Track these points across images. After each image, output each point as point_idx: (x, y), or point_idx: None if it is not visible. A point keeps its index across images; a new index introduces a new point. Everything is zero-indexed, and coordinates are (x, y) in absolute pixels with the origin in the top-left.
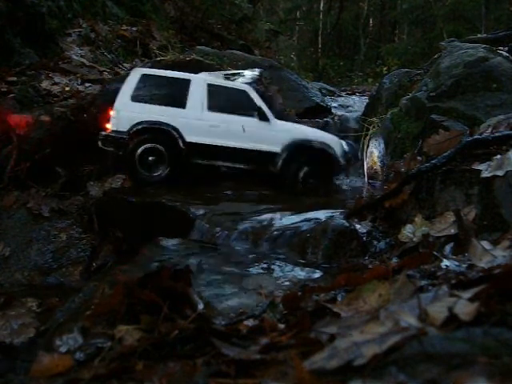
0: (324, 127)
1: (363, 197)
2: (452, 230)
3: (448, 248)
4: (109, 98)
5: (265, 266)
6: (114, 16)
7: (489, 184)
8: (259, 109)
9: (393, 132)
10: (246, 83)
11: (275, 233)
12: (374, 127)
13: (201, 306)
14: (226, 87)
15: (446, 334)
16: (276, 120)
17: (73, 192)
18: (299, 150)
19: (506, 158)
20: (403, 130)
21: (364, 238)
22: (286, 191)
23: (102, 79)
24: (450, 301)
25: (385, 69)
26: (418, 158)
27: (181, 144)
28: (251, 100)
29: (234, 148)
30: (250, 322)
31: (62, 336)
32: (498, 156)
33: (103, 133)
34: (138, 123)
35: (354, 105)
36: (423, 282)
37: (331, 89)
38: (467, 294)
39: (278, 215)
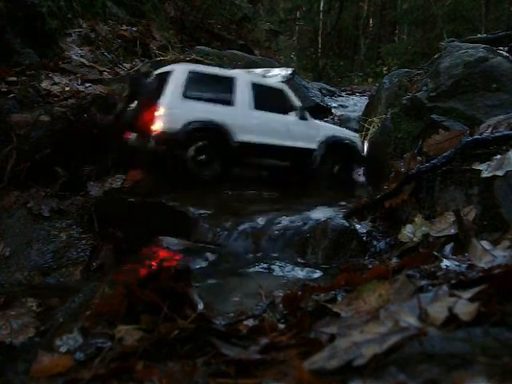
0: None
1: (363, 197)
2: (452, 230)
3: (448, 248)
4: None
5: (265, 266)
6: (113, 16)
7: (489, 184)
8: (298, 107)
9: (393, 132)
10: (282, 82)
11: (275, 233)
12: (374, 127)
13: (201, 306)
14: (267, 86)
15: (446, 334)
16: (311, 118)
17: (73, 192)
18: (333, 146)
19: (506, 158)
20: (403, 129)
21: (364, 238)
22: (286, 191)
23: (102, 79)
24: (450, 301)
25: (385, 69)
26: (418, 158)
27: (231, 143)
28: (289, 99)
29: (280, 146)
30: (250, 322)
31: (62, 336)
32: (498, 156)
33: (154, 133)
34: (191, 122)
35: (353, 105)
36: (423, 282)
37: (331, 89)
38: (467, 294)
39: (278, 215)
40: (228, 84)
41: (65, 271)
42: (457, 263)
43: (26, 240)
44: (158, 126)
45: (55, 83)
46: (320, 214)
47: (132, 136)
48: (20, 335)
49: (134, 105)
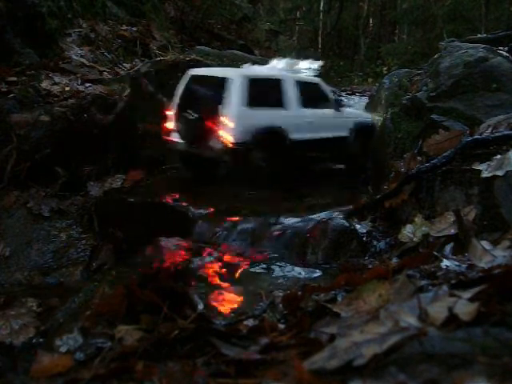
0: None
1: (363, 197)
2: (452, 230)
3: (448, 248)
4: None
5: (265, 266)
6: (114, 16)
7: (489, 184)
8: (333, 100)
9: (393, 132)
10: (314, 76)
11: (275, 233)
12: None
13: (201, 306)
14: (307, 83)
15: (446, 334)
16: (342, 107)
17: (73, 192)
18: (360, 130)
19: (506, 158)
20: (403, 129)
21: (364, 238)
22: (286, 191)
23: (102, 79)
24: (450, 301)
25: (385, 69)
26: (418, 158)
27: (288, 143)
28: (325, 92)
29: (323, 139)
30: (250, 322)
31: (62, 336)
32: (498, 156)
33: (223, 145)
34: (256, 130)
35: (354, 105)
36: (423, 282)
37: (331, 89)
38: (467, 294)
39: (277, 215)
40: (278, 86)
41: (65, 271)
42: (457, 263)
43: (26, 240)
44: (227, 138)
45: (55, 83)
46: None
47: (181, 142)
48: (20, 335)
49: (187, 114)
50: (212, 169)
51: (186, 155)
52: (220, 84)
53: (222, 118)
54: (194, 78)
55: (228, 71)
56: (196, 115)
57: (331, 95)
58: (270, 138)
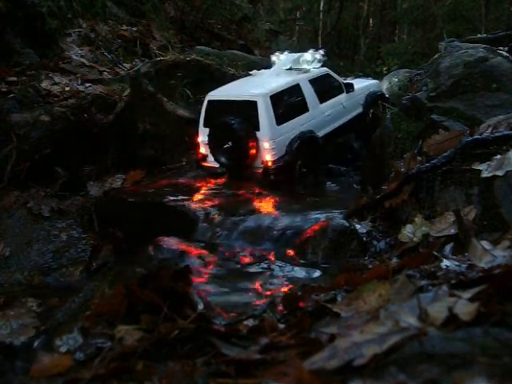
0: None
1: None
2: (452, 230)
3: (448, 248)
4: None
5: (265, 266)
6: (114, 16)
7: (489, 184)
8: (344, 84)
9: (393, 132)
10: (321, 66)
11: (275, 233)
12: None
13: (201, 306)
14: (319, 77)
15: (446, 334)
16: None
17: (73, 192)
18: (373, 100)
19: (506, 158)
20: (403, 129)
21: (364, 238)
22: (285, 191)
23: (102, 79)
24: (450, 301)
25: (385, 69)
26: (418, 158)
27: (318, 142)
28: (335, 79)
29: (344, 124)
30: (250, 322)
31: (62, 336)
32: (498, 156)
33: (269, 166)
34: (290, 143)
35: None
36: (423, 282)
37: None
38: (467, 294)
39: (277, 215)
40: (297, 93)
41: (65, 271)
42: (457, 263)
43: (26, 240)
44: (269, 159)
45: (55, 83)
46: None
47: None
48: (20, 335)
49: (223, 143)
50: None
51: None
52: (244, 107)
53: (257, 141)
54: (215, 102)
55: (249, 95)
56: (229, 144)
57: (340, 80)
58: (304, 145)
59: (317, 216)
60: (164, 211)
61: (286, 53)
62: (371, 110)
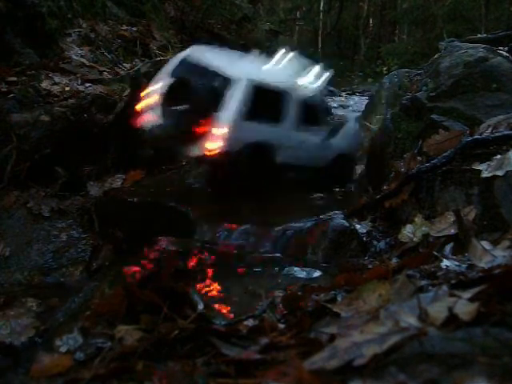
0: None
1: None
2: (452, 230)
3: (448, 248)
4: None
5: (265, 266)
6: (114, 16)
7: (489, 184)
8: (329, 123)
9: (393, 132)
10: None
11: (275, 233)
12: (374, 127)
13: (201, 306)
14: (312, 102)
15: (446, 334)
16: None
17: (73, 192)
18: (342, 162)
19: (506, 158)
20: (403, 129)
21: (364, 238)
22: (285, 191)
23: (102, 79)
24: (450, 301)
25: (385, 69)
26: (418, 158)
27: (276, 163)
28: (323, 114)
29: (309, 167)
30: (250, 322)
31: (61, 336)
32: (498, 156)
33: (210, 152)
34: (248, 145)
35: (354, 105)
36: (423, 282)
37: (331, 89)
38: (467, 294)
39: (277, 215)
40: (279, 101)
41: (65, 271)
42: (457, 263)
43: (26, 240)
44: (215, 146)
45: (55, 83)
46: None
47: (157, 125)
48: (20, 335)
49: (175, 104)
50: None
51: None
52: (219, 82)
53: (215, 123)
54: (187, 62)
55: (231, 69)
56: (183, 109)
57: (329, 116)
58: (258, 154)
59: (317, 216)
60: (164, 211)
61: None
62: (340, 170)
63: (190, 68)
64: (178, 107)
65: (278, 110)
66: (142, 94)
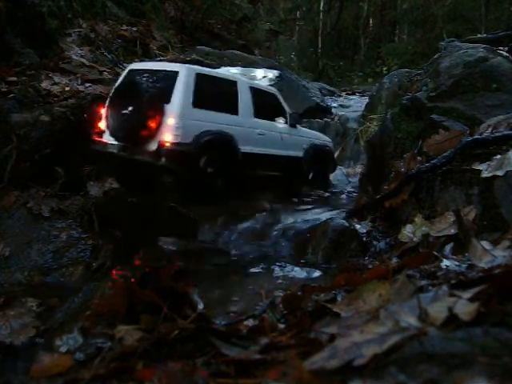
0: (324, 127)
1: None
2: (452, 230)
3: (448, 248)
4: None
5: (265, 266)
6: (114, 16)
7: (489, 184)
8: (288, 113)
9: (393, 132)
10: (270, 85)
11: (275, 233)
12: (373, 127)
13: (201, 306)
14: (263, 91)
15: (446, 334)
16: (299, 124)
17: (73, 192)
18: (316, 152)
19: (506, 158)
20: (403, 129)
21: (364, 238)
22: (285, 191)
23: (102, 79)
24: (450, 301)
25: (385, 69)
26: (418, 158)
27: (237, 153)
28: (281, 105)
29: (274, 156)
30: (250, 322)
31: (62, 336)
32: (498, 156)
33: (163, 147)
34: (202, 134)
35: (354, 105)
36: (423, 282)
37: (331, 89)
38: (467, 294)
39: (277, 215)
40: (231, 89)
41: (65, 271)
42: (457, 263)
43: (26, 240)
44: (168, 139)
45: (55, 83)
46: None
47: (113, 143)
48: (20, 335)
49: (122, 108)
50: (148, 175)
51: (119, 159)
52: (163, 78)
53: (163, 115)
54: (133, 71)
55: (172, 65)
56: (131, 109)
57: (287, 109)
58: (217, 145)
59: (317, 216)
60: (164, 211)
61: (240, 67)
62: (316, 164)
63: (134, 75)
64: (125, 110)
65: (229, 99)
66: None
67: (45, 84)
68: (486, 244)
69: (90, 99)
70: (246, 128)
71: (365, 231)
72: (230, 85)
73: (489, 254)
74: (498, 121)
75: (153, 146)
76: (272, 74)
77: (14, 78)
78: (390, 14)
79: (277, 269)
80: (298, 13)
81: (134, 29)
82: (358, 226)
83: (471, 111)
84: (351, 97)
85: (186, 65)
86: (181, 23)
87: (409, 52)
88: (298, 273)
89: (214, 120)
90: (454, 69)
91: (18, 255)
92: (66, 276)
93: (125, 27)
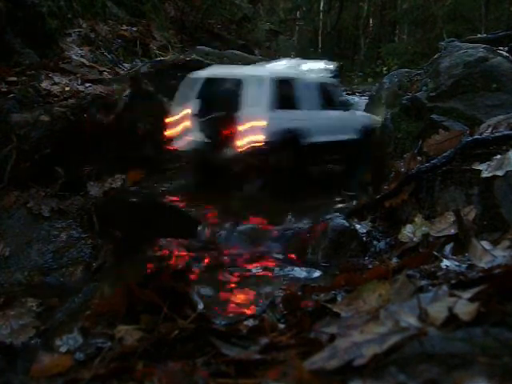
0: None
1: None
2: (452, 230)
3: (448, 248)
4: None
5: (265, 266)
6: (114, 16)
7: (489, 184)
8: (345, 101)
9: (393, 132)
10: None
11: (275, 233)
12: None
13: (201, 306)
14: (326, 83)
15: (446, 334)
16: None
17: (73, 192)
18: (367, 133)
19: (506, 158)
20: (403, 130)
21: (364, 238)
22: (285, 191)
23: (102, 79)
24: (450, 301)
25: (385, 69)
26: (418, 158)
27: (306, 145)
28: (339, 94)
29: (339, 141)
30: (250, 322)
31: (61, 336)
32: (498, 156)
33: (246, 146)
34: (280, 132)
35: (354, 104)
36: (423, 282)
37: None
38: (467, 294)
39: (277, 215)
40: (299, 87)
41: (65, 271)
42: (457, 263)
43: (26, 240)
44: (257, 139)
45: (55, 83)
46: None
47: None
48: (20, 335)
49: (202, 113)
50: (227, 171)
51: (202, 158)
52: (245, 84)
53: (249, 119)
54: (209, 80)
55: (249, 71)
56: (219, 114)
57: (344, 96)
58: (292, 141)
59: (316, 216)
60: (164, 211)
61: (296, 59)
62: (368, 143)
63: (210, 84)
64: (209, 117)
65: (300, 97)
66: (169, 120)
67: (45, 84)
68: (486, 244)
69: (90, 99)
70: (313, 121)
71: (365, 231)
72: (298, 83)
73: (489, 254)
74: (497, 121)
75: (241, 146)
76: (330, 66)
77: (14, 78)
78: (389, 14)
79: (277, 269)
80: (298, 13)
81: (134, 29)
82: (358, 226)
83: (471, 111)
84: (351, 97)
85: (268, 71)
86: (181, 23)
87: (409, 52)
88: (298, 273)
89: (290, 117)
90: (453, 69)
91: (17, 255)
92: (66, 276)
93: (125, 27)
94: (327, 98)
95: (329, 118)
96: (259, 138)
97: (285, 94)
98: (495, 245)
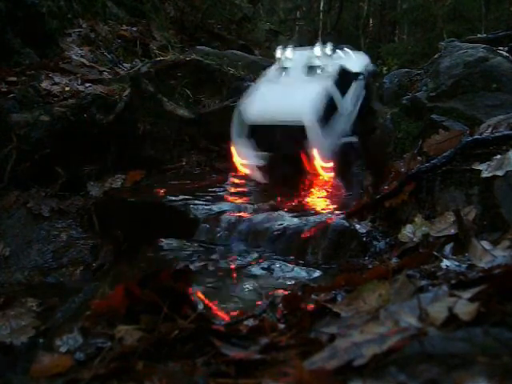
0: None
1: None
2: (452, 230)
3: (448, 248)
4: None
5: (265, 266)
6: (114, 16)
7: (489, 184)
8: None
9: (393, 132)
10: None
11: (275, 233)
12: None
13: (201, 306)
14: (338, 75)
15: (446, 334)
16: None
17: (73, 192)
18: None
19: (506, 158)
20: (403, 130)
21: (364, 238)
22: (284, 191)
23: (102, 79)
24: (450, 301)
25: (385, 69)
26: (418, 158)
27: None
28: (349, 71)
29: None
30: (249, 322)
31: (62, 336)
32: (498, 156)
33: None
34: (337, 146)
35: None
36: (423, 282)
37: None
38: (467, 294)
39: (277, 215)
40: (330, 98)
41: (65, 271)
42: (457, 263)
43: (26, 240)
44: (321, 164)
45: (55, 83)
46: None
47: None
48: (20, 335)
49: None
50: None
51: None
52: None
53: (310, 152)
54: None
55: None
56: (285, 153)
57: (352, 70)
58: (344, 148)
59: (317, 216)
60: (164, 211)
61: (290, 49)
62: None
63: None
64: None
65: (331, 105)
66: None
67: (45, 84)
68: (486, 244)
69: (90, 99)
70: (345, 115)
71: (365, 231)
72: (328, 95)
73: (489, 254)
74: (497, 121)
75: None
76: (328, 49)
77: (14, 78)
78: (390, 14)
79: (277, 269)
80: (298, 13)
81: (134, 29)
82: (358, 226)
83: (471, 111)
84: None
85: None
86: (181, 23)
87: (409, 52)
88: (298, 273)
89: (332, 128)
90: (454, 69)
91: (17, 255)
92: (66, 276)
93: (125, 27)
94: (344, 85)
95: (355, 104)
96: (323, 162)
97: (324, 112)
98: (495, 245)
